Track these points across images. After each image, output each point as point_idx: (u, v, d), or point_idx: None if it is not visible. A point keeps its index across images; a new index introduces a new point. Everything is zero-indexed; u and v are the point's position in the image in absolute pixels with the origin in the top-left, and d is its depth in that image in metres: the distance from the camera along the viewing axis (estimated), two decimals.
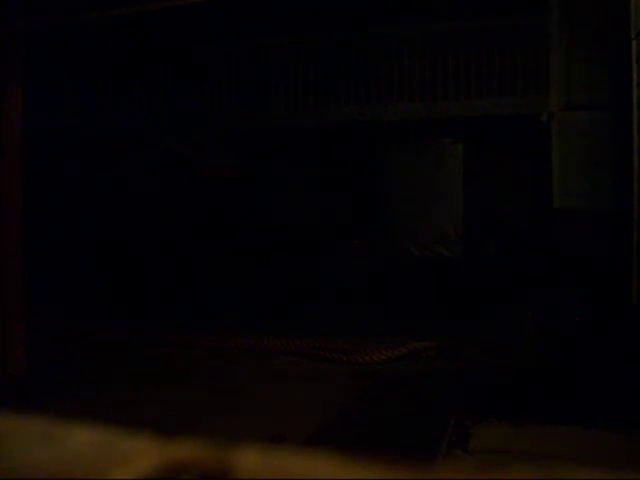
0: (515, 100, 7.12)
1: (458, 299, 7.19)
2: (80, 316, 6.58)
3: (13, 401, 3.57)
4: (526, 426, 3.16)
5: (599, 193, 6.04)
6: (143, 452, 0.47)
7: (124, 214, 8.39)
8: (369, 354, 5.01)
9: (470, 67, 7.38)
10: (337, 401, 3.88)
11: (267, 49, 8.10)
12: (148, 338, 5.87)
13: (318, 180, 8.78)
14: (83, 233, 8.33)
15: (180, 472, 0.44)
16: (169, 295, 7.64)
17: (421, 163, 8.68)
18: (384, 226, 8.29)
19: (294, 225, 8.65)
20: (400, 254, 8.23)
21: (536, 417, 3.26)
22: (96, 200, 8.49)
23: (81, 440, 0.50)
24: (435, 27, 7.53)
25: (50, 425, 0.53)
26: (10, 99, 4.37)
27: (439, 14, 7.46)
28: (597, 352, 4.30)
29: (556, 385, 3.91)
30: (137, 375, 4.61)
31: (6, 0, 4.32)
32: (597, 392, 3.59)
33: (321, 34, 7.85)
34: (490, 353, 5.08)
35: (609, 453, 2.83)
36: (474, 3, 7.23)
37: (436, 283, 7.83)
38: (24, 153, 4.49)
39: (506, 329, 5.76)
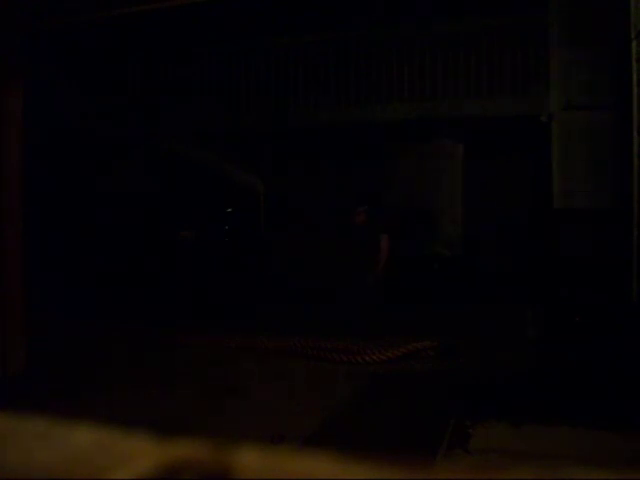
0: (515, 100, 7.12)
1: (458, 299, 7.19)
2: (79, 316, 6.58)
3: (13, 401, 3.57)
4: (526, 426, 3.16)
5: (599, 193, 6.04)
6: (143, 452, 0.47)
7: (123, 214, 8.39)
8: (369, 354, 5.01)
9: (470, 67, 7.38)
10: (337, 401, 3.88)
11: (268, 50, 8.10)
12: (148, 338, 5.87)
13: (319, 182, 8.78)
14: (83, 233, 8.33)
15: (180, 472, 0.44)
16: (169, 295, 7.64)
17: (421, 163, 8.69)
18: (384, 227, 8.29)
19: (295, 225, 8.64)
20: (400, 255, 8.23)
21: (536, 417, 3.26)
22: (96, 200, 8.49)
23: (81, 440, 0.50)
24: (435, 27, 7.54)
25: (50, 425, 0.53)
26: (11, 99, 4.37)
27: (439, 14, 7.47)
28: (597, 352, 4.29)
29: (556, 385, 3.91)
30: (136, 375, 4.60)
31: (7, 0, 4.32)
32: (597, 392, 3.59)
33: (321, 35, 7.86)
34: (490, 353, 5.08)
35: (609, 453, 2.83)
36: (474, 3, 7.23)
37: (436, 283, 7.83)
38: (24, 153, 4.49)
39: (505, 329, 5.76)
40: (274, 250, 8.85)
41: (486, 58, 7.30)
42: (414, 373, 4.72)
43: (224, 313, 7.00)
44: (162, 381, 4.44)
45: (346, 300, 6.60)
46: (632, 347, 4.23)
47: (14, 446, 0.50)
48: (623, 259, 5.58)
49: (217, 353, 5.35)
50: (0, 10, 4.25)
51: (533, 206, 7.80)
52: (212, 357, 5.21)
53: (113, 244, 8.23)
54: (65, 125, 8.28)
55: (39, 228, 6.64)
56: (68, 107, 8.29)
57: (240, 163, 9.29)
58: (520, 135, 7.59)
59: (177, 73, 8.38)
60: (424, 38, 7.56)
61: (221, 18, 7.37)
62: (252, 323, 6.58)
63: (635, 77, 5.63)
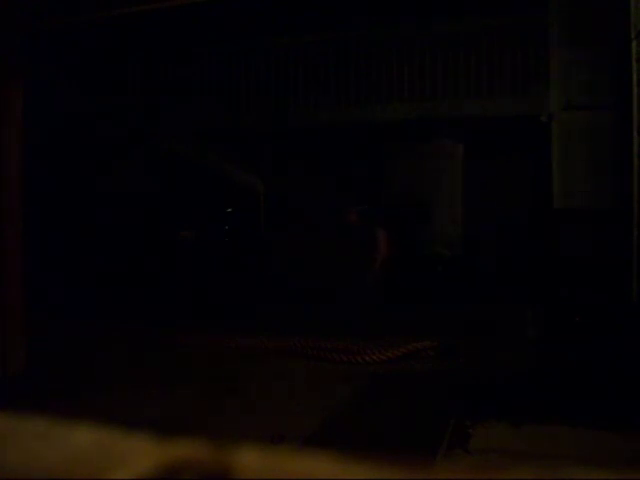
0: (515, 100, 7.12)
1: (458, 299, 7.19)
2: (79, 316, 6.58)
3: (13, 401, 3.58)
4: (526, 426, 3.16)
5: (599, 193, 6.04)
6: (143, 452, 0.47)
7: (123, 214, 8.39)
8: (369, 354, 5.01)
9: (470, 67, 7.38)
10: (337, 401, 3.88)
11: (268, 50, 8.10)
12: (148, 338, 5.87)
13: (319, 182, 8.78)
14: (83, 233, 8.33)
15: (180, 472, 0.44)
16: (169, 295, 7.64)
17: (421, 164, 8.69)
18: (385, 227, 8.29)
19: (296, 226, 8.64)
20: (401, 255, 8.23)
21: (536, 417, 3.26)
22: (96, 200, 8.49)
23: (81, 440, 0.50)
24: (435, 27, 7.54)
25: (50, 425, 0.53)
26: (11, 99, 4.37)
27: (439, 14, 7.47)
28: (597, 351, 4.29)
29: (556, 385, 3.91)
30: (137, 375, 4.60)
31: (7, 0, 4.32)
32: (597, 392, 3.59)
33: (321, 35, 7.85)
34: (490, 353, 5.08)
35: (609, 453, 2.83)
36: (474, 3, 7.23)
37: (436, 283, 7.83)
38: (24, 153, 4.49)
39: (505, 329, 5.76)
40: (274, 250, 8.85)
41: (486, 58, 7.30)
42: (414, 373, 4.72)
43: (224, 313, 7.00)
44: (162, 381, 4.44)
45: (346, 300, 6.60)
46: (632, 347, 4.23)
47: (14, 446, 0.50)
48: (623, 259, 5.58)
49: (217, 353, 5.35)
50: (0, 10, 4.25)
51: (533, 206, 7.80)
52: (212, 357, 5.21)
53: (113, 244, 8.23)
54: (65, 125, 8.28)
55: (39, 228, 6.64)
56: (68, 107, 8.28)
57: (240, 163, 9.28)
58: (520, 135, 7.59)
59: (177, 73, 8.38)
60: (424, 38, 7.56)
61: (221, 18, 7.37)
62: (252, 323, 6.58)
63: (635, 77, 5.63)
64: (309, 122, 8.01)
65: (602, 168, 6.07)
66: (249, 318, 6.90)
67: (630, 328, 4.70)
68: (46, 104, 7.59)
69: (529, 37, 7.06)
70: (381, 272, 6.50)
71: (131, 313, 6.75)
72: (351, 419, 3.60)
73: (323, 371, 4.81)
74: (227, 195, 9.43)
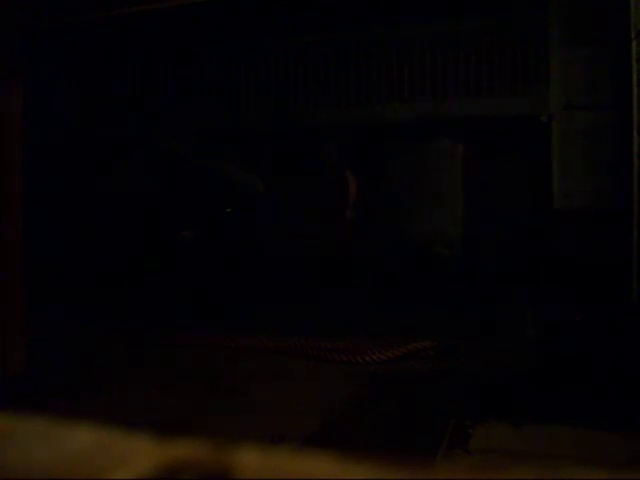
0: (515, 100, 7.12)
1: (458, 299, 7.18)
2: (79, 316, 6.58)
3: (13, 401, 3.57)
4: (526, 426, 3.16)
5: (599, 193, 6.04)
6: (143, 452, 0.47)
7: (123, 214, 8.39)
8: (369, 354, 5.01)
9: (470, 67, 7.38)
10: (337, 401, 3.88)
11: (268, 50, 8.10)
12: (148, 338, 5.87)
13: (318, 182, 8.77)
14: (83, 233, 8.33)
15: (180, 472, 0.44)
16: (169, 295, 7.64)
17: (421, 164, 8.69)
18: (384, 227, 8.29)
19: (296, 227, 8.63)
20: (400, 254, 8.23)
21: (536, 417, 3.26)
22: (96, 200, 8.49)
23: (81, 440, 0.50)
24: (435, 27, 7.53)
25: (50, 425, 0.53)
26: (11, 99, 4.37)
27: (439, 14, 7.46)
28: (597, 352, 4.29)
29: (556, 385, 3.91)
30: (137, 375, 4.60)
31: (7, 0, 4.32)
32: (597, 392, 3.59)
33: (321, 35, 7.85)
34: (490, 353, 5.08)
35: (609, 453, 2.83)
36: (474, 3, 7.23)
37: (436, 283, 7.83)
38: (24, 153, 4.49)
39: (506, 329, 5.76)
40: (274, 250, 8.84)
41: (486, 58, 7.30)
42: (414, 373, 4.72)
43: (224, 313, 7.00)
44: (162, 381, 4.44)
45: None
46: (632, 347, 4.23)
47: (14, 446, 0.50)
48: (623, 259, 5.58)
49: (217, 353, 5.35)
50: (0, 10, 4.25)
51: (533, 206, 7.80)
52: (212, 357, 5.21)
53: (113, 244, 8.23)
54: (65, 125, 8.28)
55: (39, 228, 6.63)
56: (68, 107, 8.28)
57: (240, 163, 9.28)
58: (520, 135, 7.58)
59: (177, 73, 8.38)
60: (424, 38, 7.55)
61: (221, 18, 7.37)
62: (252, 323, 6.58)
63: (635, 77, 5.63)
64: (309, 122, 8.01)
65: (602, 168, 6.07)
66: (249, 318, 6.89)
67: (630, 328, 4.70)
68: (46, 104, 7.59)
69: (529, 37, 7.06)
70: (357, 209, 6.55)
71: (131, 313, 6.74)
72: (351, 419, 3.60)
73: (323, 371, 4.81)
74: (227, 195, 9.43)
